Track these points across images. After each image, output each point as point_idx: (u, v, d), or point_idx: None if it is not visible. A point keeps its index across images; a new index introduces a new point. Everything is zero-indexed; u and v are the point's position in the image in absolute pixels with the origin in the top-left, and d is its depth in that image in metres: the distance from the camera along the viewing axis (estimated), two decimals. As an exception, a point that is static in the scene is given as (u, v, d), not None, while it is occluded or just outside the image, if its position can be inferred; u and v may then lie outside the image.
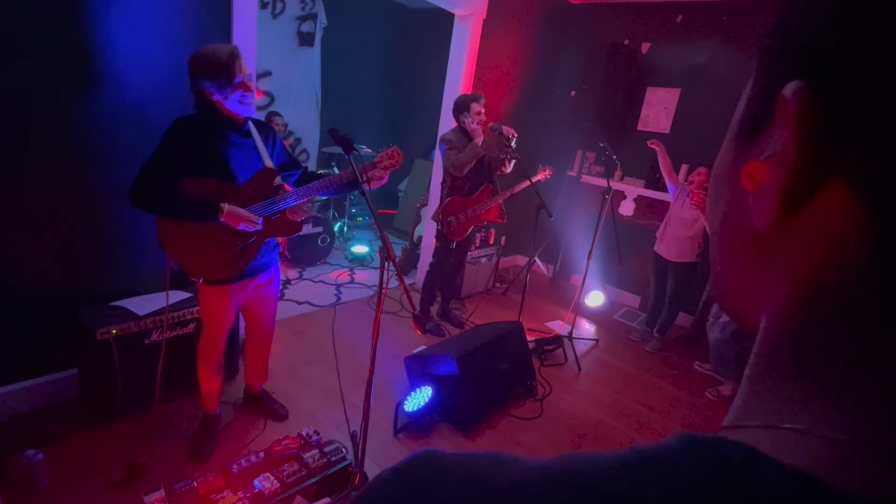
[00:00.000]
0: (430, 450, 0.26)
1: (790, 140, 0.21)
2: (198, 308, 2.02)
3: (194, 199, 1.69)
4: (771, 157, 0.23)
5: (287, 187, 1.95)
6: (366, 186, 1.73)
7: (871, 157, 0.19)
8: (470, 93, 3.09)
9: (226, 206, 1.68)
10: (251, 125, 1.83)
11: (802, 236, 0.22)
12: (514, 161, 3.11)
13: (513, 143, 2.96)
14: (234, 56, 1.64)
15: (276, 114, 4.39)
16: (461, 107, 2.95)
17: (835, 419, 0.20)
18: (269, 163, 1.83)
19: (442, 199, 3.09)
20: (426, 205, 4.17)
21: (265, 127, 1.91)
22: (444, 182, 3.11)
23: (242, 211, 1.72)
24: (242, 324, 2.42)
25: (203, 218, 1.70)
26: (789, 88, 0.21)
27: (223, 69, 1.63)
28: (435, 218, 3.11)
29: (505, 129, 2.95)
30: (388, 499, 0.24)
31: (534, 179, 3.02)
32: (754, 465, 0.19)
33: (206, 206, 1.68)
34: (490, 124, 3.06)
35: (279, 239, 2.14)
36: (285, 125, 4.82)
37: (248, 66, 1.69)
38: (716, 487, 0.19)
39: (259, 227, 1.78)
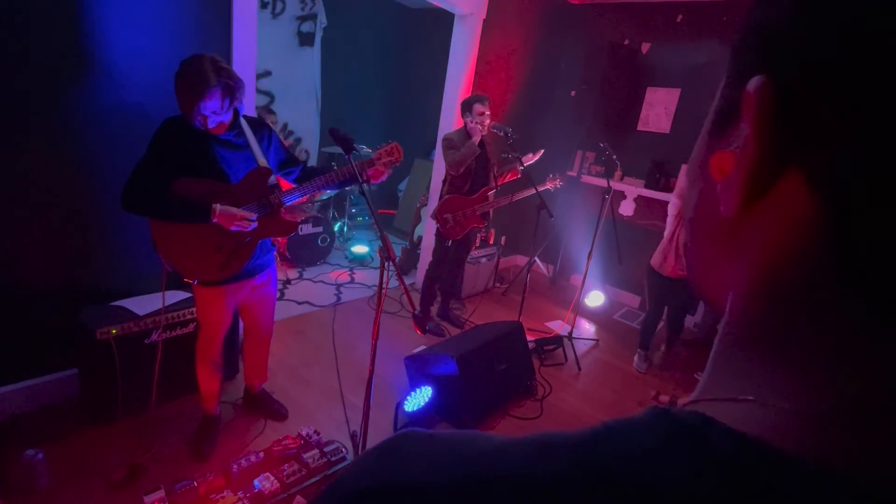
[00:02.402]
0: (411, 429, 0.28)
1: (751, 133, 0.22)
2: (195, 308, 2.02)
3: (186, 201, 1.67)
4: (737, 148, 0.24)
5: (284, 184, 1.94)
6: (366, 185, 1.72)
7: (824, 149, 0.20)
8: (471, 93, 3.09)
9: (218, 207, 1.67)
10: (244, 123, 1.80)
11: (764, 224, 0.23)
12: (519, 162, 3.09)
13: (510, 135, 2.94)
14: (196, 100, 1.57)
15: (270, 111, 4.39)
16: (465, 106, 2.97)
17: (786, 392, 0.21)
18: (262, 161, 1.81)
19: (441, 197, 3.10)
20: (426, 205, 4.17)
21: (260, 124, 1.89)
22: (444, 180, 3.12)
23: (236, 210, 1.71)
24: (242, 324, 2.41)
25: (196, 219, 1.68)
26: (752, 83, 0.22)
27: (185, 106, 1.61)
28: (433, 215, 3.12)
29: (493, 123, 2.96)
30: (372, 470, 0.26)
31: (541, 189, 2.98)
32: (705, 429, 0.21)
33: (198, 207, 1.66)
34: (492, 124, 3.06)
35: (279, 238, 2.13)
36: (285, 124, 4.82)
37: (213, 105, 1.60)
38: (669, 449, 0.21)
39: (254, 227, 1.76)
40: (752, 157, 0.22)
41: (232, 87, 1.62)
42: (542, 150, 3.29)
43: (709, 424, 0.21)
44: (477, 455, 0.24)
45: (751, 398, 0.22)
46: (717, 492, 0.19)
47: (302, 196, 1.86)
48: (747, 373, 0.24)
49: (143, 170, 1.67)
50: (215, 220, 1.68)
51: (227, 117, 1.69)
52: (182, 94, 1.58)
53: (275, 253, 2.08)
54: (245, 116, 1.83)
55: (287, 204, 1.84)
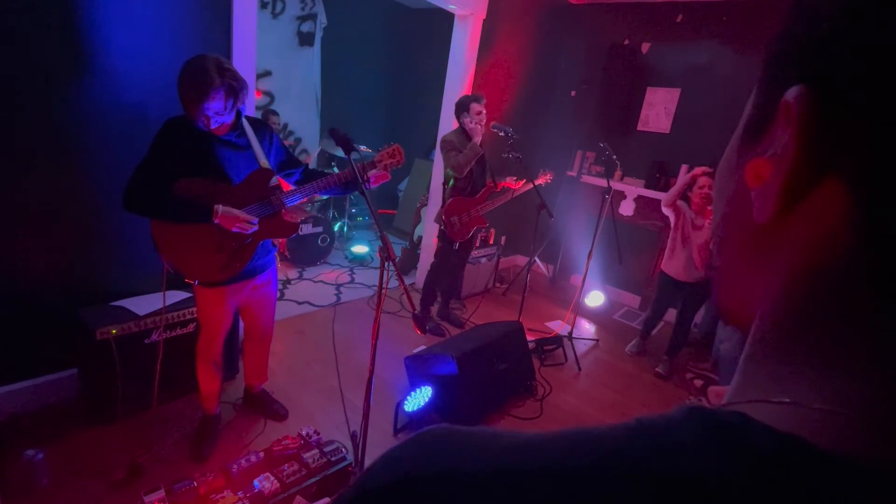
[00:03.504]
0: (441, 424, 0.28)
1: (791, 140, 0.22)
2: (196, 308, 2.02)
3: (187, 201, 1.67)
4: (773, 155, 0.24)
5: (285, 185, 1.94)
6: (366, 186, 1.71)
7: (865, 157, 0.20)
8: (470, 93, 3.09)
9: (220, 208, 1.67)
10: (246, 123, 1.80)
11: (800, 229, 0.23)
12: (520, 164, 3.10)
13: (511, 135, 2.95)
14: (199, 100, 1.56)
15: (273, 112, 4.39)
16: (461, 107, 2.95)
17: (823, 394, 0.22)
18: (264, 162, 1.81)
19: (444, 200, 3.09)
20: (426, 205, 4.17)
21: (262, 125, 1.88)
22: (445, 183, 3.11)
23: (237, 212, 1.71)
24: (242, 324, 2.41)
25: (197, 220, 1.68)
26: (791, 93, 0.23)
27: (188, 106, 1.60)
28: (437, 220, 3.11)
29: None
30: (406, 459, 0.26)
31: (535, 183, 3.01)
32: (745, 427, 0.21)
33: (199, 208, 1.66)
34: (492, 123, 3.06)
35: (279, 239, 2.12)
36: (285, 125, 4.82)
37: (217, 105, 1.59)
38: (708, 444, 0.21)
39: (255, 229, 1.76)
40: (791, 164, 0.23)
41: (235, 88, 1.61)
42: (552, 174, 3.36)
43: (747, 422, 0.21)
44: (512, 447, 0.24)
45: (787, 400, 0.22)
46: (762, 487, 0.19)
47: (303, 197, 1.85)
48: (780, 376, 0.24)
49: (145, 170, 1.67)
50: (217, 221, 1.67)
51: (230, 118, 1.69)
52: (185, 95, 1.58)
53: (275, 253, 2.08)
54: (247, 117, 1.82)
55: (288, 205, 1.84)
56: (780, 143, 0.23)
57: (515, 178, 3.24)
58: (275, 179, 1.84)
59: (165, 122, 1.69)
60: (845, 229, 0.21)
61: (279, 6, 4.47)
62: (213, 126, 1.65)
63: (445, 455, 0.25)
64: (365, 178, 1.79)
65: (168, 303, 2.14)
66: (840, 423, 0.20)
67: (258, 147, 1.81)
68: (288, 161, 1.97)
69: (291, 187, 1.91)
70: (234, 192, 1.75)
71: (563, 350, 3.26)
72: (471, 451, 0.25)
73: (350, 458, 1.91)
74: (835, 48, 0.21)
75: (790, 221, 0.24)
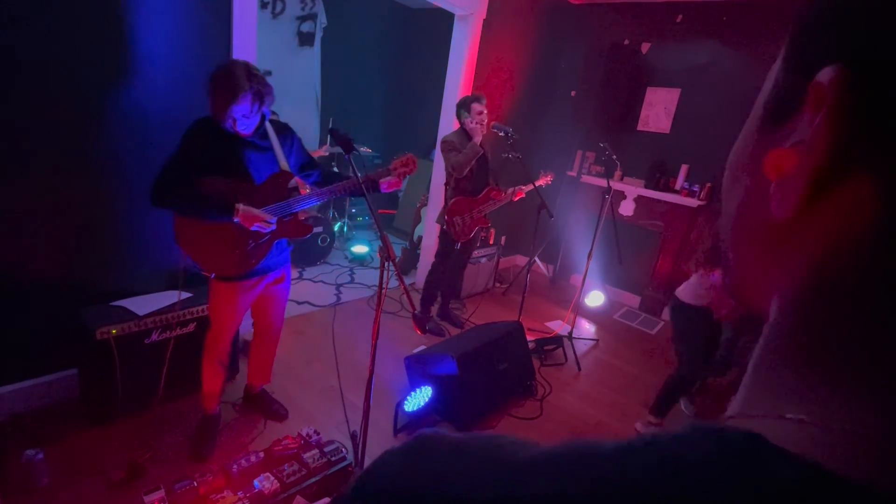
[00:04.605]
0: (435, 430, 0.27)
1: (822, 128, 0.20)
2: (206, 304, 2.04)
3: (211, 199, 1.73)
4: (798, 144, 0.22)
5: (301, 182, 2.00)
6: (379, 192, 1.88)
7: None
8: (470, 93, 3.09)
9: (241, 207, 1.73)
10: (269, 126, 1.86)
11: (821, 227, 0.21)
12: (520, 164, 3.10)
13: (511, 135, 2.95)
14: (228, 103, 1.62)
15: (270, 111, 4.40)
16: (462, 107, 2.96)
17: (839, 411, 0.20)
18: (284, 165, 1.87)
19: (446, 200, 3.09)
20: (426, 205, 4.17)
21: (284, 129, 1.95)
22: (447, 184, 3.11)
23: (257, 211, 1.76)
24: (244, 324, 2.41)
25: (219, 217, 1.74)
26: (826, 73, 0.20)
27: (217, 108, 1.65)
28: (440, 220, 3.11)
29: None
30: (400, 474, 0.25)
31: (535, 184, 3.01)
32: (760, 452, 0.19)
33: (221, 206, 1.73)
34: (492, 123, 3.06)
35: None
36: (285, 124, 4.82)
37: (244, 108, 1.65)
38: (722, 472, 0.19)
39: (273, 228, 1.81)
40: (821, 154, 0.20)
41: (262, 93, 1.69)
42: (552, 175, 3.33)
43: (758, 443, 0.19)
44: (508, 469, 0.22)
45: (803, 417, 0.20)
46: None
47: (318, 201, 1.93)
48: (791, 388, 0.22)
49: (173, 167, 1.72)
50: (237, 219, 1.73)
51: (255, 121, 1.76)
52: (216, 97, 1.65)
53: (289, 252, 2.11)
54: (270, 120, 1.88)
55: (304, 208, 1.89)
56: (807, 131, 0.21)
57: (522, 186, 3.24)
58: (293, 182, 1.89)
59: (194, 123, 1.75)
60: (871, 229, 0.19)
61: (279, 6, 4.47)
62: (239, 128, 1.72)
63: (437, 473, 0.24)
64: (377, 184, 1.92)
65: (168, 303, 2.14)
66: (856, 444, 0.19)
67: (279, 150, 1.87)
68: (308, 163, 2.05)
69: (308, 187, 1.99)
70: (255, 192, 1.80)
71: (563, 350, 3.25)
72: (465, 471, 0.23)
73: (350, 458, 1.91)
74: (880, 21, 0.19)
75: (811, 219, 0.21)
